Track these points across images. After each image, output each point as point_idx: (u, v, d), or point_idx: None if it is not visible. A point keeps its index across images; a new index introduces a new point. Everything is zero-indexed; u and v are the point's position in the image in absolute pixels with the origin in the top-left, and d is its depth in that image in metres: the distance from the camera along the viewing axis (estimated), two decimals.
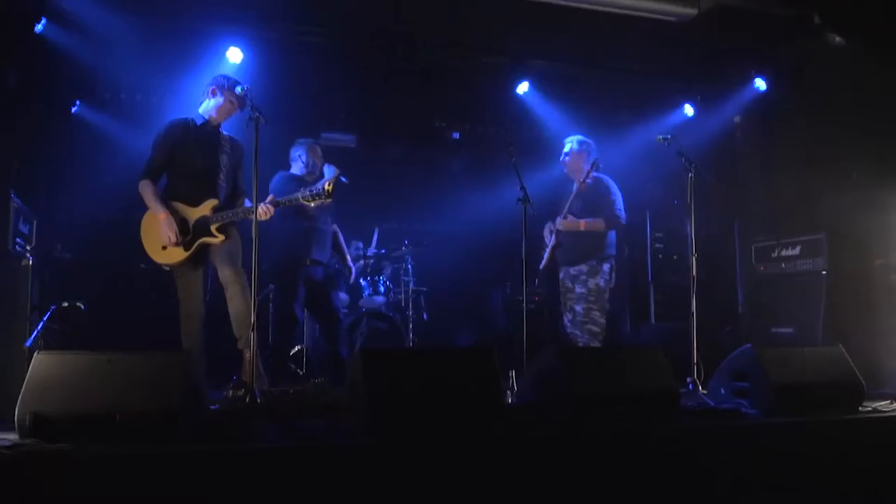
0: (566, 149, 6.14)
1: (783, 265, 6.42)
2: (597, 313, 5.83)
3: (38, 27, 6.07)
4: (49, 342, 5.43)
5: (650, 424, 3.71)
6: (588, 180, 6.02)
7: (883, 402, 4.48)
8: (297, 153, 6.09)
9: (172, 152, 4.86)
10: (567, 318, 6.01)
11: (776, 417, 3.95)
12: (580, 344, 5.78)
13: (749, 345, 4.41)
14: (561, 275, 6.12)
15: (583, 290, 5.86)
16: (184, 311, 4.84)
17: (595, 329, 5.80)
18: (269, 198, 4.89)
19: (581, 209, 5.96)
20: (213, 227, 4.80)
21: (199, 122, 4.95)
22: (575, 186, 6.06)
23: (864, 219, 6.10)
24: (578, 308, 5.85)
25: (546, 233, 6.12)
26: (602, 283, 5.87)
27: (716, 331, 7.13)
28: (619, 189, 6.05)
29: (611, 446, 3.49)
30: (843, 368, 4.38)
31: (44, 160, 6.55)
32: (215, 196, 4.88)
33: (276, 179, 5.89)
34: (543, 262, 6.09)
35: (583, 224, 5.86)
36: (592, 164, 6.04)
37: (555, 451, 3.38)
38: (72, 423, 3.03)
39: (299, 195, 4.83)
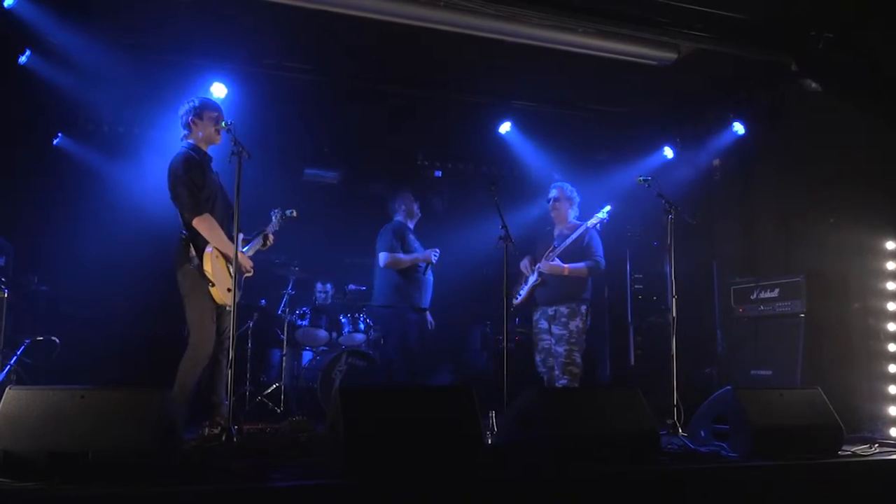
0: (553, 193, 6.25)
1: (762, 307, 6.45)
2: (577, 354, 5.93)
3: (22, 59, 6.05)
4: (22, 377, 5.35)
5: (631, 467, 3.69)
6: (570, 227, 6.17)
7: (862, 447, 4.49)
8: (399, 204, 6.64)
9: (205, 184, 4.53)
10: (539, 358, 6.10)
11: (756, 461, 3.94)
12: (561, 385, 5.81)
13: (729, 387, 4.41)
14: (536, 314, 6.18)
15: (563, 332, 5.94)
16: (205, 350, 4.47)
17: (576, 370, 5.90)
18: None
19: (565, 255, 6.05)
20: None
21: (199, 155, 4.64)
22: (557, 231, 6.22)
23: (841, 262, 6.17)
24: (560, 349, 5.92)
25: (523, 267, 6.18)
26: (581, 324, 5.99)
27: (694, 371, 7.13)
28: (600, 236, 6.19)
29: (591, 488, 3.46)
30: (822, 411, 4.39)
31: (22, 192, 6.49)
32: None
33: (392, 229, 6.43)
34: (520, 299, 6.18)
35: (566, 269, 5.96)
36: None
37: (534, 492, 3.34)
38: (43, 460, 2.96)
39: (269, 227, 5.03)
